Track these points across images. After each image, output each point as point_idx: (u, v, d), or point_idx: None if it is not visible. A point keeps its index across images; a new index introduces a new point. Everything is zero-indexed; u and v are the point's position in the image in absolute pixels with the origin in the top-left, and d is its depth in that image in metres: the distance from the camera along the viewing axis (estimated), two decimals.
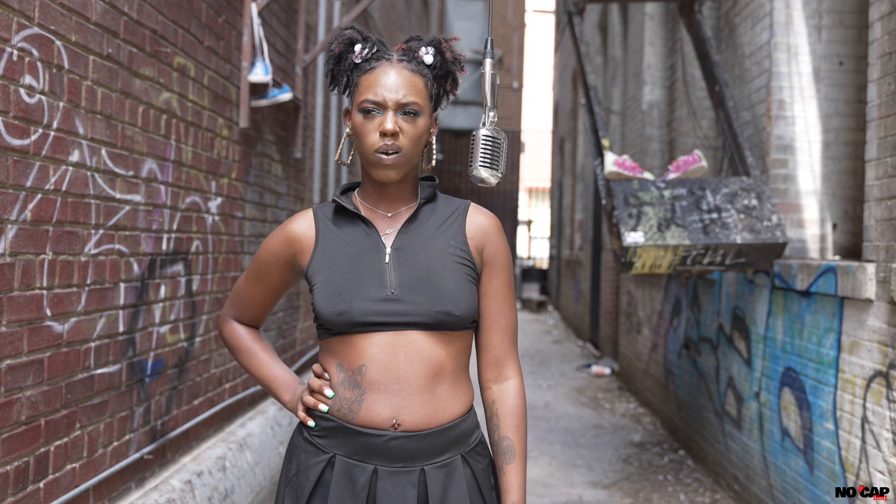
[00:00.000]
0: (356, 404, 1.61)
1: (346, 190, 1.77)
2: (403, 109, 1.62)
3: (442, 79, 1.71)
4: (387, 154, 1.61)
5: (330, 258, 1.68)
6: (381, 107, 1.61)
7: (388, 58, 1.66)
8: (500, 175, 1.64)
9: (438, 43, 1.70)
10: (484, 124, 1.62)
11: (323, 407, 1.64)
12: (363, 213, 1.70)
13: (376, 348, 1.61)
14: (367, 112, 1.62)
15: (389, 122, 1.60)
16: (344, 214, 1.72)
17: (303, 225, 1.73)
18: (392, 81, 1.62)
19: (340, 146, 1.71)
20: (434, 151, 1.74)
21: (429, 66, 1.68)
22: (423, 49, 1.68)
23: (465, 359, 1.70)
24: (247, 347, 1.84)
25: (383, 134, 1.60)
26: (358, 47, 1.68)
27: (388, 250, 1.66)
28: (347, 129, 1.71)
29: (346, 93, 1.71)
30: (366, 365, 1.61)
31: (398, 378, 1.60)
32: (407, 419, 1.60)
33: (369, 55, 1.67)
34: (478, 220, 1.72)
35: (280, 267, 1.76)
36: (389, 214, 1.70)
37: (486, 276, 1.71)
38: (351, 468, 1.61)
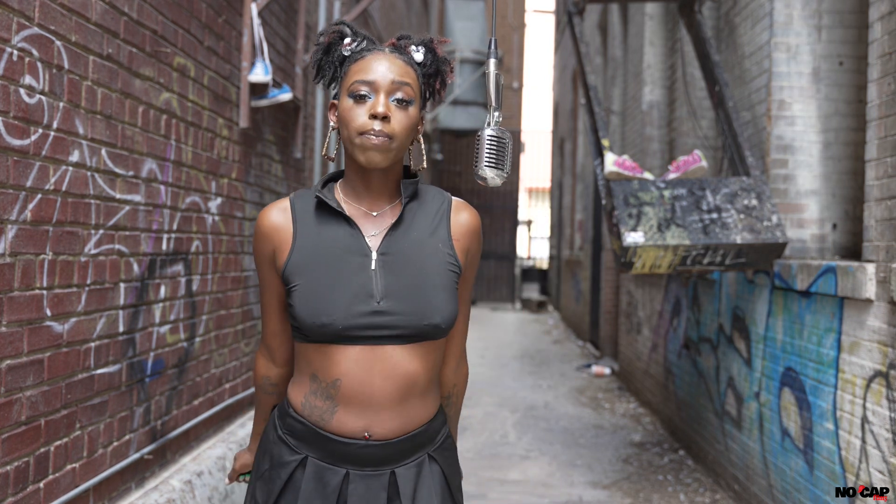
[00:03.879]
0: (328, 414, 1.59)
1: (329, 181, 1.69)
2: (396, 95, 1.56)
3: (431, 77, 1.68)
4: (375, 136, 1.54)
5: (310, 259, 1.59)
6: (374, 89, 1.56)
7: (379, 49, 1.63)
8: (505, 175, 1.62)
9: (430, 41, 1.68)
10: (489, 124, 1.61)
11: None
12: (347, 211, 1.62)
13: (352, 363, 1.56)
14: (357, 97, 1.56)
15: (381, 104, 1.54)
16: (326, 210, 1.63)
17: (279, 218, 1.64)
18: (385, 66, 1.58)
19: (327, 140, 1.65)
20: (423, 152, 1.70)
21: (419, 64, 1.65)
22: (414, 47, 1.66)
23: (438, 369, 1.68)
24: (258, 401, 1.86)
25: (374, 116, 1.54)
26: (347, 40, 1.65)
27: (375, 255, 1.59)
28: (333, 123, 1.65)
29: (332, 84, 1.66)
30: (340, 380, 1.57)
31: (371, 394, 1.57)
32: (378, 431, 1.59)
33: (359, 47, 1.64)
34: (462, 218, 1.68)
35: (271, 266, 1.66)
36: (374, 213, 1.63)
37: (464, 276, 1.69)
38: (322, 470, 1.60)
